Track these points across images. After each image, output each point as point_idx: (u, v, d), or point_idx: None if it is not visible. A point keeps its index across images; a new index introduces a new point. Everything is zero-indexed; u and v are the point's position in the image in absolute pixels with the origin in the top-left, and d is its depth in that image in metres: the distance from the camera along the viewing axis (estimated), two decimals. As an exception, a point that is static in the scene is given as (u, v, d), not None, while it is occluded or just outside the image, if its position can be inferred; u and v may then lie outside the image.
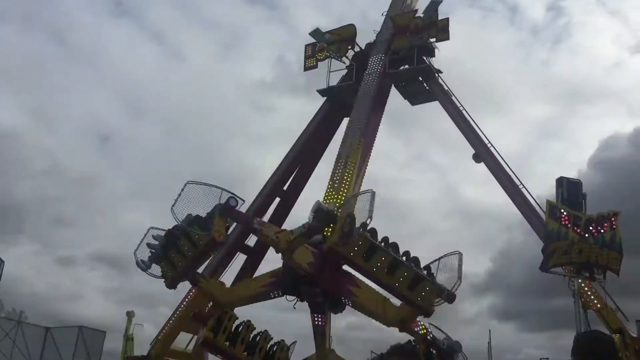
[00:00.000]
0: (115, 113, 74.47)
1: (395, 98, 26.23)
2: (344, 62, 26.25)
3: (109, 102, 73.75)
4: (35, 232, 63.92)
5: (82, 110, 73.38)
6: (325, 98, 26.41)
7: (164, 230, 14.99)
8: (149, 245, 15.03)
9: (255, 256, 26.06)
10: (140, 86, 74.92)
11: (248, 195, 26.43)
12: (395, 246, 12.92)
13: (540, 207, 19.64)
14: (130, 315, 34.48)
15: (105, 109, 73.89)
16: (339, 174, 18.99)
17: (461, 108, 24.03)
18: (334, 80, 26.29)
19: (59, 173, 68.12)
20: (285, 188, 26.34)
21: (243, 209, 15.32)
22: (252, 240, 25.74)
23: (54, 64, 72.57)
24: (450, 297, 12.42)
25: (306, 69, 27.06)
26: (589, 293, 18.64)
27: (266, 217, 25.88)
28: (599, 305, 18.61)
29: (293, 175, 26.43)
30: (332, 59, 26.29)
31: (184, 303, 24.56)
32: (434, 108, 25.85)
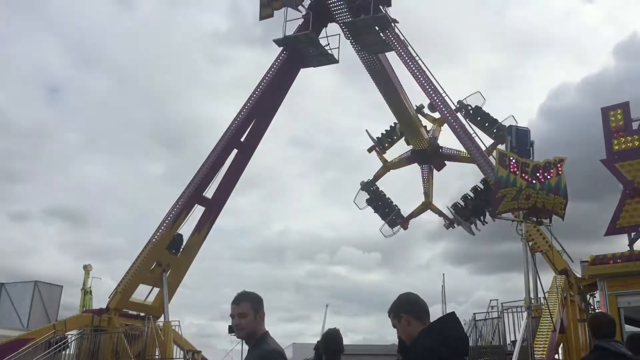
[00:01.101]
0: (64, 64, 72.12)
1: (351, 48, 26.19)
2: (300, 12, 25.97)
3: (56, 52, 71.30)
4: (-16, 188, 62.30)
5: (27, 61, 70.81)
6: (282, 48, 26.17)
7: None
8: None
9: (212, 208, 26.20)
10: (88, 35, 72.51)
11: (205, 146, 26.39)
12: None
13: (491, 155, 20.27)
14: (87, 268, 34.33)
15: (52, 59, 71.44)
16: None
17: (417, 58, 24.19)
18: (291, 29, 26.06)
19: (7, 127, 66.02)
20: (242, 139, 26.29)
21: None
22: (209, 192, 25.82)
23: (-3, 13, 69.40)
24: None
25: (262, 18, 26.65)
26: (536, 236, 19.51)
27: (224, 168, 25.96)
28: (546, 248, 19.53)
29: (250, 126, 26.35)
30: (289, 8, 25.93)
31: (142, 255, 24.65)
32: (391, 57, 26.00)
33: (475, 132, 22.97)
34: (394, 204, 31.38)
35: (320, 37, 26.07)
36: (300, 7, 25.91)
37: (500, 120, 24.74)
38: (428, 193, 30.73)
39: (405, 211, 31.25)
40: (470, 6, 75.93)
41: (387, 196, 31.36)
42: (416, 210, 31.16)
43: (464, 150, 25.81)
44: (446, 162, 30.65)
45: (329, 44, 26.06)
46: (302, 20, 25.95)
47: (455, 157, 29.53)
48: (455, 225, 29.41)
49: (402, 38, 24.82)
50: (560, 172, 13.80)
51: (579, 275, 19.35)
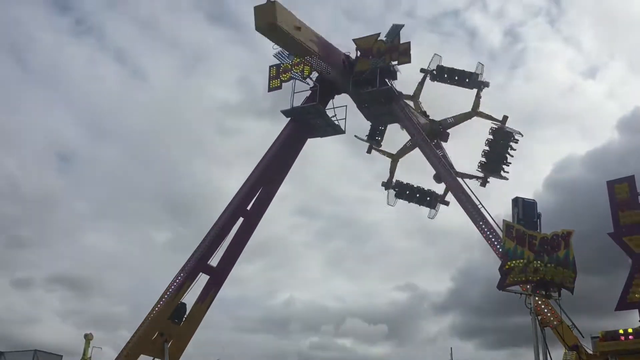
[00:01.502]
0: (76, 133, 73.33)
1: (359, 118, 26.70)
2: (307, 84, 26.58)
3: (69, 122, 72.61)
4: (-10, 254, 62.11)
5: (41, 130, 72.01)
6: (289, 119, 26.66)
7: None
8: None
9: (217, 276, 25.96)
10: (101, 106, 74.06)
11: (211, 214, 26.41)
12: None
13: (498, 226, 20.19)
14: (88, 338, 33.72)
15: (65, 128, 72.73)
16: None
17: (421, 129, 24.57)
18: (298, 101, 26.61)
19: (17, 193, 66.54)
20: (248, 208, 26.37)
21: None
22: (214, 260, 25.66)
23: (12, 83, 71.16)
24: None
25: (270, 89, 27.25)
26: (545, 311, 19.13)
27: (229, 237, 25.89)
28: (555, 323, 19.11)
29: (257, 195, 26.48)
30: (296, 81, 26.58)
31: (144, 325, 24.24)
32: (397, 129, 26.40)
33: (480, 203, 22.90)
34: (422, 187, 30.14)
35: (327, 108, 26.62)
36: (307, 80, 26.55)
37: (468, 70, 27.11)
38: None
39: (437, 190, 29.95)
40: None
41: (412, 184, 30.16)
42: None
43: (459, 113, 27.73)
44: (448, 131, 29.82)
45: (335, 114, 26.61)
46: (310, 92, 26.55)
47: (454, 123, 28.92)
48: (488, 180, 28.35)
49: (407, 110, 25.34)
50: (568, 245, 13.75)
51: (590, 352, 18.85)
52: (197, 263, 24.97)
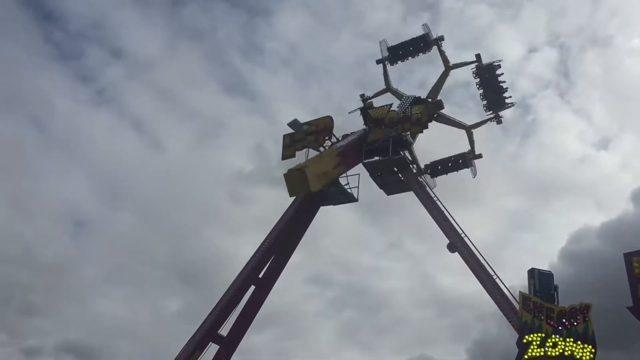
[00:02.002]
0: (91, 199, 74.06)
1: (371, 188, 26.78)
2: (320, 152, 26.82)
3: (85, 188, 73.45)
4: (1, 321, 61.67)
5: (57, 196, 72.82)
6: (302, 187, 26.77)
7: None
8: None
9: (227, 346, 25.48)
10: (117, 173, 75.08)
11: (223, 282, 26.15)
12: None
13: (514, 297, 19.83)
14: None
15: (81, 195, 73.52)
16: None
17: (435, 198, 24.57)
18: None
19: (30, 260, 66.66)
20: (260, 276, 26.14)
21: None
22: (225, 330, 25.25)
23: (32, 150, 72.56)
24: None
25: (284, 158, 27.55)
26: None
27: (240, 305, 25.55)
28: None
29: (269, 263, 26.31)
30: (310, 149, 26.89)
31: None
32: (410, 198, 26.41)
33: (495, 273, 22.54)
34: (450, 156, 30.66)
35: (339, 176, 26.75)
36: (321, 148, 26.87)
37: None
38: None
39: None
40: (486, 151, 78.11)
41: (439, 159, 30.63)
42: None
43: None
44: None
45: (348, 183, 26.69)
46: (323, 160, 26.75)
47: (437, 90, 29.90)
48: (500, 115, 29.59)
49: (420, 179, 25.44)
50: (587, 319, 13.44)
51: None
52: (207, 332, 24.55)
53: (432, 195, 24.70)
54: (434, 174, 30.38)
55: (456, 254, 26.64)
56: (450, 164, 29.78)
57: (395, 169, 26.01)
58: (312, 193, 26.09)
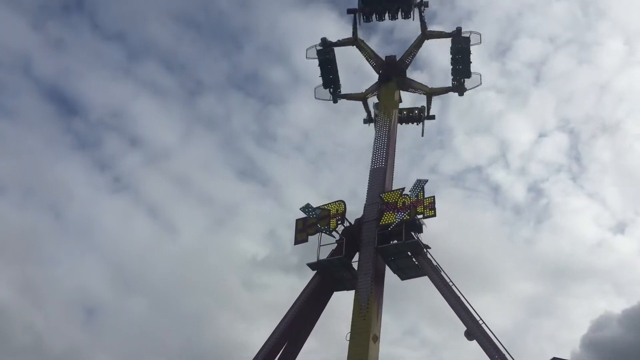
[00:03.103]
0: (104, 285, 73.61)
1: (385, 272, 26.35)
2: (333, 237, 26.78)
3: (98, 274, 73.18)
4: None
5: (71, 284, 72.49)
6: (315, 272, 26.53)
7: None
8: None
9: None
10: (131, 259, 75.03)
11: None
12: None
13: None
14: None
15: (94, 282, 73.16)
16: None
17: (450, 283, 24.16)
18: (325, 254, 26.63)
19: (41, 349, 65.53)
20: (273, 364, 25.41)
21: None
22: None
23: (48, 237, 73.12)
24: None
25: (297, 242, 27.51)
26: None
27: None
28: None
29: (282, 350, 25.63)
30: (323, 234, 26.85)
31: None
32: (424, 283, 25.95)
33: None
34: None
35: (353, 261, 26.49)
36: (334, 233, 26.82)
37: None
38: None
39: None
40: (502, 233, 77.41)
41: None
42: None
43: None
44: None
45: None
46: (336, 245, 26.64)
47: (410, 54, 33.25)
48: (465, 87, 32.42)
49: (434, 263, 25.11)
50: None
51: None
52: None
53: (448, 279, 24.29)
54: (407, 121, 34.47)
55: (474, 341, 25.90)
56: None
57: (409, 253, 25.77)
58: (325, 277, 25.88)
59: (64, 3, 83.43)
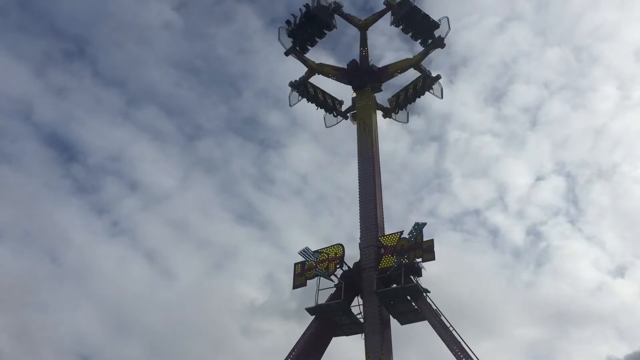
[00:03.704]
0: (100, 332, 72.49)
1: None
2: (332, 281, 26.57)
3: (93, 320, 72.13)
4: None
5: (66, 330, 71.29)
6: (313, 317, 26.22)
7: None
8: None
9: None
10: (127, 304, 74.06)
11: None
12: None
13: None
14: None
15: (90, 328, 72.12)
16: None
17: (451, 328, 23.87)
18: (323, 298, 26.40)
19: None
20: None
21: None
22: None
23: (44, 283, 72.31)
24: None
25: (295, 287, 27.30)
26: None
27: None
28: None
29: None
30: (321, 278, 26.64)
31: None
32: (424, 327, 25.64)
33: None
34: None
35: (352, 305, 26.26)
36: (332, 277, 26.60)
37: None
38: None
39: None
40: (501, 277, 76.89)
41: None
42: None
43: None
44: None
45: (361, 312, 26.17)
46: (335, 289, 26.40)
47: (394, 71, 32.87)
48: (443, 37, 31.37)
49: (434, 307, 24.85)
50: None
51: None
52: None
53: (448, 324, 24.00)
54: (401, 106, 33.53)
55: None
56: (410, 91, 32.92)
57: (409, 297, 25.54)
58: (324, 322, 25.56)
59: (67, 51, 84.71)
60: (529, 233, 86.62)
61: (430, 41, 31.69)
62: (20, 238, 72.22)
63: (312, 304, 26.27)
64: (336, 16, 32.77)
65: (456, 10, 77.07)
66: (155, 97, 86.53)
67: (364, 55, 33.20)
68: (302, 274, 27.21)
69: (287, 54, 32.96)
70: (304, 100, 33.73)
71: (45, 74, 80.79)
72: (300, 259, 27.51)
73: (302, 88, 33.45)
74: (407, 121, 34.62)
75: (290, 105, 34.00)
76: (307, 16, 31.89)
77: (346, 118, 34.22)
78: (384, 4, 32.07)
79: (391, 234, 27.16)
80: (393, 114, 34.08)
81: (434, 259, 25.61)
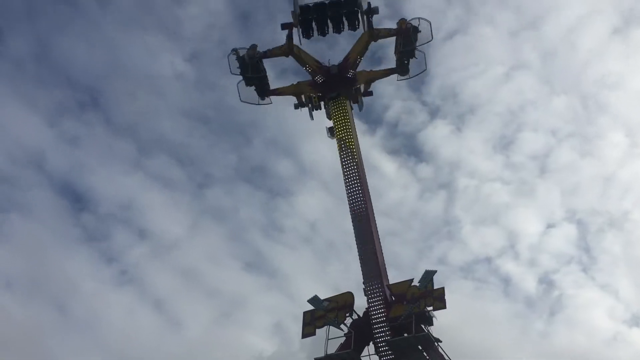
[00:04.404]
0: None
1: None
2: (342, 330, 26.20)
3: (102, 370, 71.30)
4: None
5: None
6: (323, 365, 25.76)
7: None
8: None
9: None
10: (135, 353, 73.17)
11: None
12: None
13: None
14: None
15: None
16: None
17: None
18: (333, 348, 25.97)
19: None
20: None
21: None
22: None
23: (52, 333, 71.89)
24: None
25: (304, 336, 26.89)
26: None
27: None
28: None
29: None
30: (331, 327, 26.27)
31: None
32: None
33: None
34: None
35: (362, 355, 25.80)
36: (342, 326, 26.24)
37: None
38: None
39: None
40: (514, 326, 75.49)
41: None
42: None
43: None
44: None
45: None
46: (344, 338, 26.00)
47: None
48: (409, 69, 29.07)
49: (446, 357, 24.40)
50: None
51: None
52: None
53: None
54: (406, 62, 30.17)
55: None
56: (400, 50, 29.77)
57: (420, 347, 25.07)
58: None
59: (80, 101, 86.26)
60: (542, 281, 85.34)
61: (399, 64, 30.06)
62: (29, 287, 72.12)
63: (321, 354, 25.78)
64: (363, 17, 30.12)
65: (463, 60, 78.26)
66: (166, 146, 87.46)
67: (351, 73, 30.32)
68: (311, 323, 26.82)
69: (284, 27, 30.02)
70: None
71: (59, 124, 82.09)
72: (309, 307, 27.22)
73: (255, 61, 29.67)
74: (425, 67, 30.24)
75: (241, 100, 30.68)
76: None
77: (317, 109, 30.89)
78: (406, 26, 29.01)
79: (401, 282, 26.88)
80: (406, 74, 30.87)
81: (445, 307, 25.25)
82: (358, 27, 29.53)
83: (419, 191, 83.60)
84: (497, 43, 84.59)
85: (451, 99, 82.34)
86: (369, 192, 28.72)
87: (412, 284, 26.18)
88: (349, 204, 28.30)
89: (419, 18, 28.90)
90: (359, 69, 30.59)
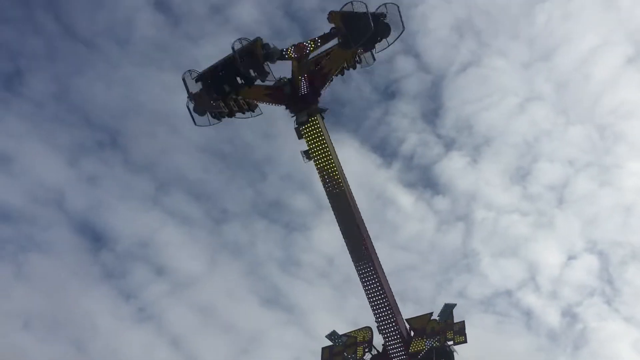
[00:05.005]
0: None
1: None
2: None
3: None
4: None
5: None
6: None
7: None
8: None
9: None
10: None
11: None
12: None
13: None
14: None
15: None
16: None
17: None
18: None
19: None
20: None
21: None
22: None
23: (70, 369, 71.85)
24: None
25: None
26: None
27: None
28: None
29: None
30: (349, 362, 25.96)
31: None
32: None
33: None
34: None
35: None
36: (361, 361, 25.94)
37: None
38: None
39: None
40: (536, 360, 73.99)
41: None
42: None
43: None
44: None
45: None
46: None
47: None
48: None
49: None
50: None
51: None
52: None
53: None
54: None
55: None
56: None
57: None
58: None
59: (99, 140, 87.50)
60: (564, 314, 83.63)
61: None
62: (48, 326, 72.17)
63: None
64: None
65: (477, 92, 78.37)
66: (184, 183, 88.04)
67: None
68: (329, 359, 26.58)
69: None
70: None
71: (78, 164, 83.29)
72: (328, 343, 26.98)
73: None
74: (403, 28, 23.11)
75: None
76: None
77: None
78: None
79: (420, 316, 26.52)
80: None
81: (465, 341, 24.86)
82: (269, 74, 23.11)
83: (437, 224, 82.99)
84: (510, 75, 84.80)
85: (466, 131, 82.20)
86: (366, 230, 24.50)
87: (432, 317, 25.88)
88: (347, 246, 24.32)
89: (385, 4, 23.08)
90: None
